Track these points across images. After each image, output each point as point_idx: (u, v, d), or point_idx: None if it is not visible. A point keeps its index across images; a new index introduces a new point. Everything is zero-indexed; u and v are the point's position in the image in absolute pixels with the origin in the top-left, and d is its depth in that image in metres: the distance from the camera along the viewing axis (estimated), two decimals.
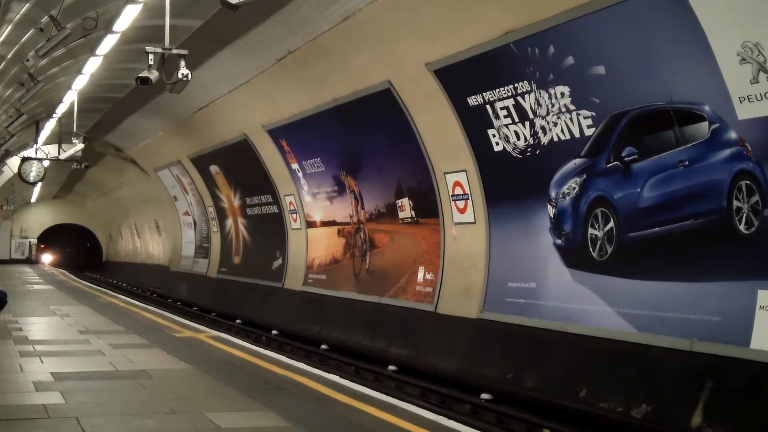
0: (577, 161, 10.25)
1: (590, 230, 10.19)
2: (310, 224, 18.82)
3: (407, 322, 14.12)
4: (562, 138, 10.26)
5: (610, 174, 9.76)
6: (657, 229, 9.15)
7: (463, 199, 12.70)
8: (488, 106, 11.27)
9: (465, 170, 12.46)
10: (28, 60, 14.03)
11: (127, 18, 12.57)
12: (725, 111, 7.94)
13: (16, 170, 27.55)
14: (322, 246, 18.22)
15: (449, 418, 6.99)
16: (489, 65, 10.89)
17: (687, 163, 8.66)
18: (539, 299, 11.06)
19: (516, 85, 10.61)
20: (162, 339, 11.50)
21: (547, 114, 10.34)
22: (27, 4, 11.94)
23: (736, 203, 8.14)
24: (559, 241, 10.79)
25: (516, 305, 11.47)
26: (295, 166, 18.50)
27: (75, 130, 22.30)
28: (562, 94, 9.96)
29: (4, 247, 55.67)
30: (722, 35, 7.65)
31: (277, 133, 18.41)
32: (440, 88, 12.04)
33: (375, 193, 15.62)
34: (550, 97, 10.17)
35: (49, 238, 59.60)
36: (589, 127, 9.81)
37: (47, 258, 60.51)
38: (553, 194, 10.77)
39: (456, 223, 13.02)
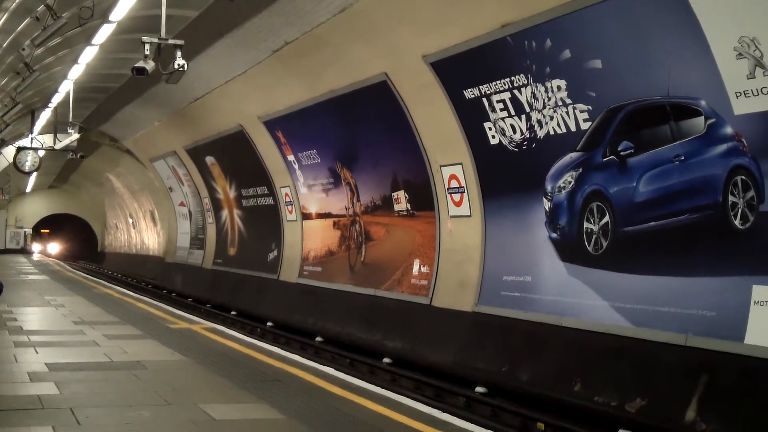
0: (573, 155, 10.25)
1: (586, 224, 10.20)
2: (306, 216, 18.80)
3: (402, 315, 14.12)
4: (559, 132, 10.25)
5: (606, 168, 9.76)
6: (652, 223, 9.16)
7: (459, 192, 12.69)
8: (484, 99, 11.25)
9: (461, 163, 12.45)
10: (23, 49, 13.97)
11: (124, 7, 12.52)
12: (721, 106, 7.94)
13: (11, 160, 27.46)
14: (318, 238, 18.21)
15: (443, 411, 7.02)
16: (486, 58, 10.87)
17: (683, 157, 8.66)
18: (534, 293, 11.07)
19: (512, 78, 10.60)
20: (157, 330, 11.51)
21: (544, 107, 10.33)
22: None
23: (731, 198, 8.15)
24: (554, 235, 10.80)
25: (511, 299, 11.48)
26: (291, 157, 18.48)
27: (70, 119, 22.22)
28: (559, 88, 9.95)
29: None
30: (719, 30, 7.64)
31: (273, 125, 18.38)
32: (437, 81, 12.02)
33: (371, 186, 15.61)
34: (546, 91, 10.16)
35: (44, 228, 59.49)
36: (585, 120, 9.80)
37: (54, 248, 59.98)
38: (548, 188, 10.77)
39: (452, 216, 13.01)
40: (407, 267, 14.32)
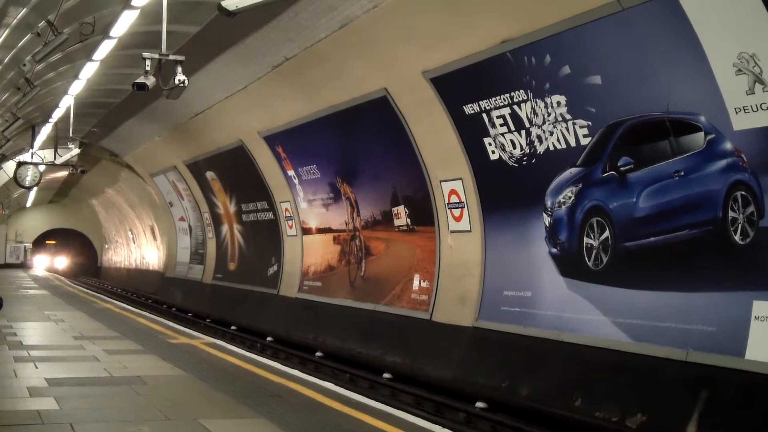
0: (573, 170, 10.26)
1: (586, 239, 10.20)
2: (306, 231, 18.80)
3: (402, 330, 14.10)
4: (558, 147, 10.27)
5: (606, 183, 9.77)
6: (652, 238, 9.16)
7: (458, 207, 12.71)
8: (484, 115, 11.28)
9: (461, 178, 12.47)
10: (24, 64, 14.00)
11: (124, 24, 12.58)
12: (721, 122, 7.96)
13: (11, 174, 27.51)
14: (318, 253, 18.21)
15: (444, 426, 7.01)
16: (485, 74, 10.91)
17: (683, 173, 8.68)
18: (534, 308, 11.06)
19: (512, 93, 10.63)
20: (157, 345, 11.48)
21: (543, 123, 10.36)
22: (24, 9, 11.94)
23: (731, 214, 8.16)
24: (554, 250, 10.80)
25: (511, 314, 11.47)
26: (291, 172, 18.50)
27: (71, 134, 22.26)
28: (558, 103, 9.98)
29: None
30: (718, 46, 7.67)
31: (273, 140, 18.42)
32: (436, 96, 12.05)
33: (371, 201, 15.62)
34: (546, 106, 10.19)
35: (44, 242, 59.39)
36: (585, 136, 9.83)
37: (61, 262, 59.39)
38: (548, 203, 10.78)
39: (452, 231, 13.01)
40: (407, 282, 14.31)
